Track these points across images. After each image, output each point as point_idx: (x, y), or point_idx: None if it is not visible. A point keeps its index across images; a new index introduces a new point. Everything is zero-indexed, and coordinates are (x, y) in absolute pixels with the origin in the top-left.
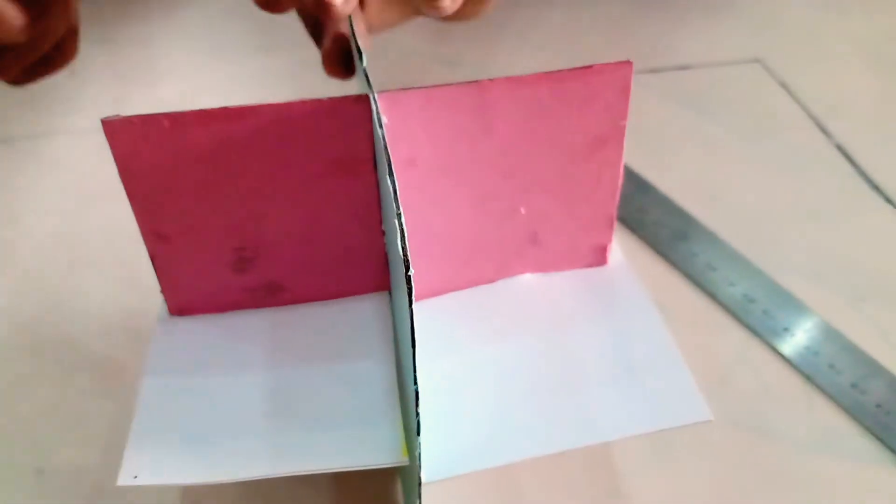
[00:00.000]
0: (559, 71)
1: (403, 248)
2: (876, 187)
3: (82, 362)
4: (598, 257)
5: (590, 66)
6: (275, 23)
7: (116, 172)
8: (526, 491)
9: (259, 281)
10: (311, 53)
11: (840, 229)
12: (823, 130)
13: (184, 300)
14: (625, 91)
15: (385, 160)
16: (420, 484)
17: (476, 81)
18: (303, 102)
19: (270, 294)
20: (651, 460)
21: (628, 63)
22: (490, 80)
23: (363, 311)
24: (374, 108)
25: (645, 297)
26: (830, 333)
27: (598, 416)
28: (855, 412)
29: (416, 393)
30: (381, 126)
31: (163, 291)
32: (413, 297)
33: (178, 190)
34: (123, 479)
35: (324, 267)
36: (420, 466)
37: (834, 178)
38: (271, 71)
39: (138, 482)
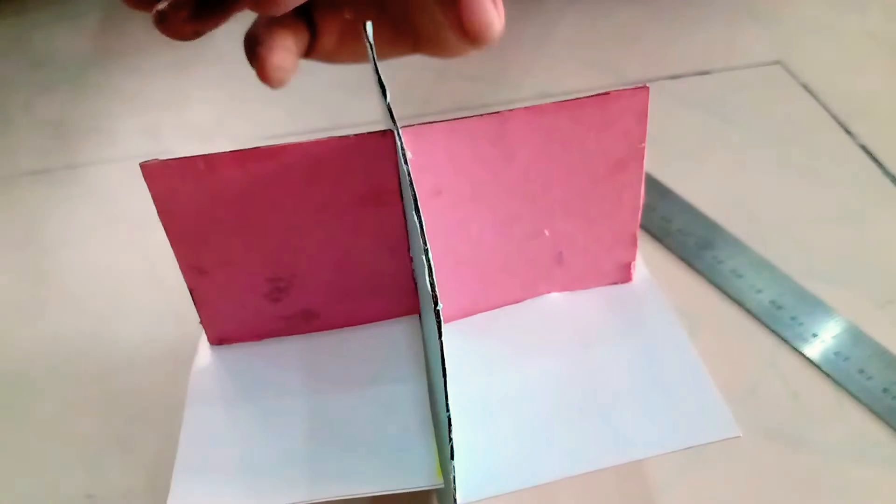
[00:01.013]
0: (577, 99)
1: (431, 284)
2: (887, 172)
3: (126, 391)
4: (623, 274)
5: (607, 93)
6: None
7: (151, 202)
8: (559, 502)
9: (294, 309)
10: (338, 74)
11: (866, 231)
12: (848, 131)
13: (222, 330)
14: (642, 116)
15: (410, 195)
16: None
17: (497, 113)
18: (329, 140)
19: (305, 321)
20: (683, 472)
21: (645, 88)
22: (510, 110)
23: (394, 335)
24: (398, 143)
25: (670, 314)
26: (860, 338)
27: (629, 434)
28: (887, 417)
29: (449, 419)
30: (405, 161)
31: (202, 322)
32: (442, 330)
33: (215, 226)
34: None
35: (355, 294)
36: (455, 489)
37: (859, 180)
38: (299, 92)
39: None
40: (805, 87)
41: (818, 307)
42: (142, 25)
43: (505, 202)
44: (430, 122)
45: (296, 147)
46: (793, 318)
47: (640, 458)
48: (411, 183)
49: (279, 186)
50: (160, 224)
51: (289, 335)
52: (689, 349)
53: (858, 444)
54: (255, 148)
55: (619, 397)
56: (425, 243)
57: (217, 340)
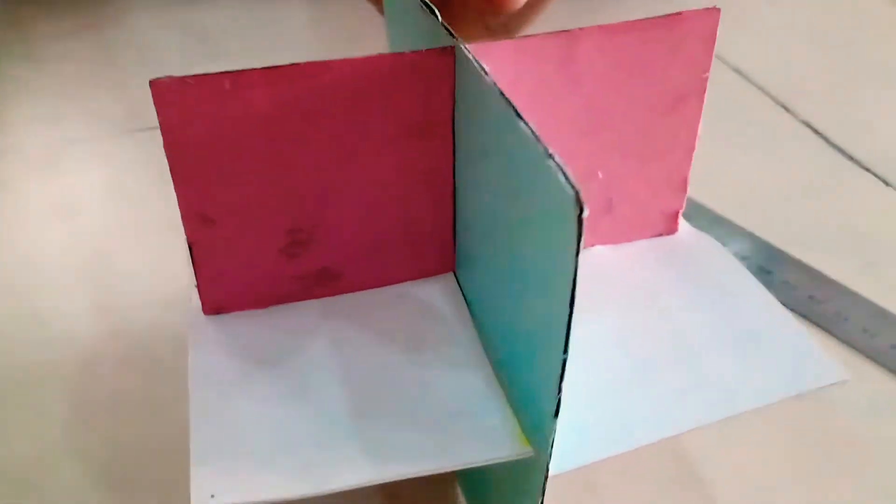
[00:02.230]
0: (647, 19)
1: (571, 183)
2: (851, 157)
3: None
4: (670, 224)
5: (678, 13)
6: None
7: (61, 190)
8: (599, 481)
9: (311, 268)
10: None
11: (828, 201)
12: (789, 110)
13: (222, 296)
14: (710, 41)
15: (505, 105)
16: (546, 478)
17: (566, 31)
18: (381, 57)
19: (322, 283)
20: (720, 444)
21: (716, 10)
22: (580, 28)
23: (429, 294)
24: (470, 57)
25: (733, 262)
26: (856, 300)
27: (731, 386)
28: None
29: (563, 364)
30: (486, 73)
31: (198, 287)
32: (581, 242)
33: (232, 162)
34: (199, 501)
35: (385, 248)
36: (550, 456)
37: (809, 155)
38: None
39: (215, 502)
40: (738, 71)
41: (808, 272)
42: (34, 14)
43: (563, 136)
44: (494, 41)
45: (343, 64)
46: (784, 283)
47: (745, 411)
48: (503, 94)
49: (316, 112)
50: (73, 213)
51: (302, 300)
52: (767, 295)
53: (876, 400)
54: (293, 64)
55: (706, 349)
56: (546, 148)
57: (214, 309)
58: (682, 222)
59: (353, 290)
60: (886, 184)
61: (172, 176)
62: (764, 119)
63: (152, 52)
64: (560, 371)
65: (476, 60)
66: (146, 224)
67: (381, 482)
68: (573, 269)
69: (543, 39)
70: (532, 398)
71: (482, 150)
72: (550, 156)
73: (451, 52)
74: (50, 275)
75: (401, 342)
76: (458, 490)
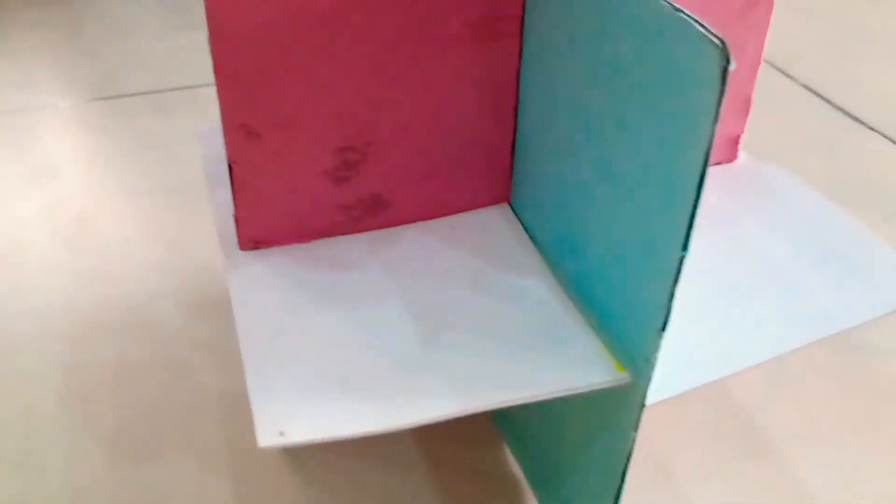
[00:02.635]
0: None
1: (713, 33)
2: (855, 118)
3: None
4: (730, 151)
5: None
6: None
7: (36, 156)
8: (650, 435)
9: (361, 194)
10: None
11: (837, 158)
12: (788, 75)
13: (262, 228)
14: None
15: None
16: (643, 407)
17: None
18: None
19: (371, 212)
20: (770, 393)
21: None
22: None
23: (486, 225)
24: None
25: (804, 187)
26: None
27: (823, 307)
28: None
29: (681, 263)
30: None
31: (236, 216)
32: (721, 102)
33: (285, 63)
34: (267, 439)
35: (440, 171)
36: (650, 380)
37: (812, 115)
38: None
39: (286, 440)
40: None
41: None
42: None
43: None
44: None
45: None
46: None
47: (846, 328)
48: None
49: (377, 1)
50: (51, 177)
51: (348, 233)
52: (845, 216)
53: None
54: None
55: (795, 270)
56: (705, 25)
57: (252, 243)
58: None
59: (402, 223)
60: (893, 142)
61: (216, 77)
62: (767, 84)
63: (122, 22)
64: (675, 273)
65: None
66: (127, 188)
67: (468, 414)
68: (709, 137)
69: None
70: (630, 314)
71: (568, 39)
72: (679, 9)
73: None
74: (32, 241)
75: (462, 273)
76: (507, 451)
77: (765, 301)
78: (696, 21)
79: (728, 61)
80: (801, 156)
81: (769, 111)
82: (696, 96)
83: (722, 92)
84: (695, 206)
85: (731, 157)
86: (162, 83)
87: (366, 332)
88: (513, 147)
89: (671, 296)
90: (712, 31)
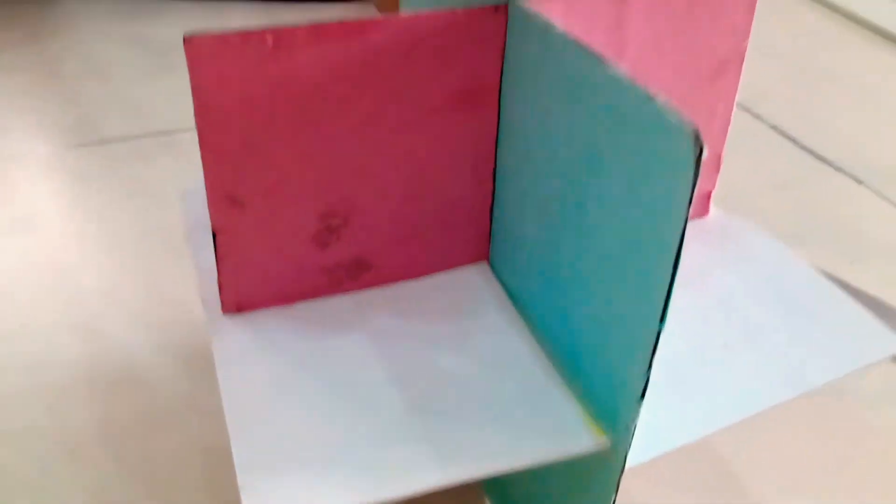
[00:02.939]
0: None
1: (687, 121)
2: (821, 158)
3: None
4: (702, 206)
5: None
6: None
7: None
8: (633, 491)
9: (343, 257)
10: None
11: (804, 198)
12: (755, 115)
13: (246, 292)
14: (751, 9)
15: (587, 53)
16: (623, 471)
17: None
18: (433, 15)
19: (353, 274)
20: (751, 439)
21: None
22: None
23: (466, 285)
24: (532, 12)
25: (772, 241)
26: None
27: (795, 366)
28: None
29: (658, 336)
30: (555, 28)
31: (220, 281)
32: (695, 188)
33: (269, 134)
34: None
35: (420, 234)
36: (630, 445)
37: (779, 155)
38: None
39: None
40: None
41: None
42: None
43: None
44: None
45: (393, 22)
46: None
47: (821, 385)
48: (578, 41)
49: (362, 76)
50: (29, 229)
51: (331, 294)
52: (812, 272)
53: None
54: (341, 21)
55: (767, 328)
56: (646, 87)
57: (236, 306)
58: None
59: (384, 283)
60: (859, 182)
61: (202, 150)
62: (733, 123)
63: (100, 65)
64: (653, 345)
65: (540, 15)
66: (108, 238)
67: (453, 484)
68: (683, 221)
69: (594, 1)
70: (609, 382)
71: (544, 113)
72: (654, 96)
73: (503, 11)
74: (10, 294)
75: (445, 336)
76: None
77: (739, 360)
78: (670, 109)
79: (701, 150)
80: (769, 196)
81: (738, 151)
82: (670, 180)
83: (695, 177)
84: (671, 283)
85: (702, 212)
86: (142, 128)
87: (351, 400)
88: (491, 210)
89: (649, 366)
90: (686, 119)
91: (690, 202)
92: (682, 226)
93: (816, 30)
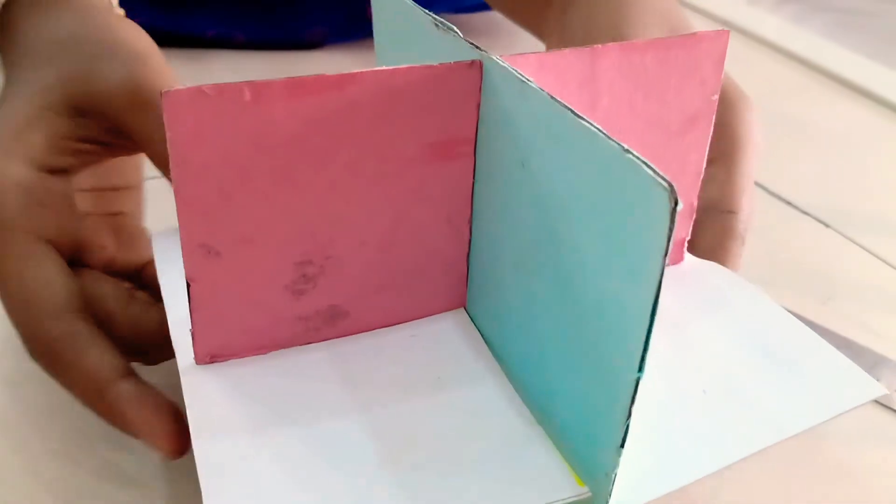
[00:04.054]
0: (666, 38)
1: (661, 176)
2: (788, 202)
3: None
4: (677, 253)
5: (693, 34)
6: None
7: None
8: None
9: (318, 306)
10: None
11: (774, 242)
12: None
13: (219, 342)
14: (720, 62)
15: (560, 107)
16: None
17: (589, 47)
18: (410, 69)
19: (329, 322)
20: (727, 480)
21: (726, 32)
22: (602, 45)
23: (443, 332)
24: (507, 66)
25: (749, 287)
26: (823, 332)
27: (773, 413)
28: (884, 401)
29: (637, 384)
30: (529, 82)
31: (193, 331)
32: (668, 247)
33: (245, 185)
34: None
35: (397, 282)
36: (611, 494)
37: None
38: None
39: None
40: None
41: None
42: None
43: None
44: (520, 54)
45: (369, 76)
46: None
47: (791, 436)
48: (553, 97)
49: (338, 129)
50: None
51: (305, 344)
52: (789, 317)
53: (869, 429)
54: (317, 76)
55: (743, 376)
56: (619, 142)
57: (208, 357)
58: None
59: (359, 331)
60: (826, 226)
61: (177, 201)
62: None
63: None
64: (632, 394)
65: (516, 72)
66: None
67: None
68: (660, 273)
69: (566, 55)
70: (587, 431)
71: (519, 164)
72: (627, 150)
73: (478, 67)
74: None
75: (421, 384)
76: None
77: (717, 408)
78: (645, 164)
79: (676, 203)
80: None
81: None
82: (645, 232)
83: (671, 230)
84: (648, 332)
85: (677, 258)
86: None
87: (326, 453)
88: (468, 258)
89: (628, 414)
90: (660, 174)
91: (667, 253)
92: (658, 276)
93: (778, 79)
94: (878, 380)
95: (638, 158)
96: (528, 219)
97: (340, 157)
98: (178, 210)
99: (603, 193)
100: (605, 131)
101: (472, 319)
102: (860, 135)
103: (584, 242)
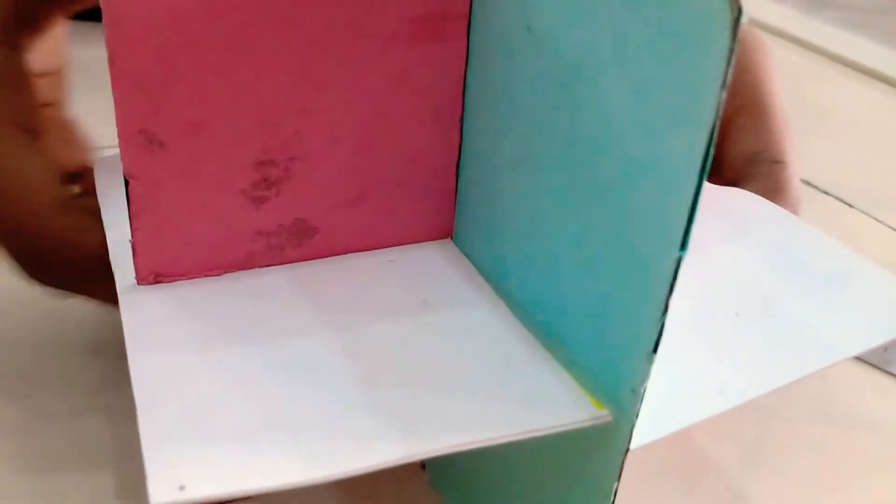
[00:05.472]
0: None
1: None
2: (808, 182)
3: None
4: None
5: None
6: None
7: None
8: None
9: (282, 219)
10: None
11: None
12: None
13: (165, 257)
14: None
15: None
16: (628, 451)
17: None
18: None
19: (294, 240)
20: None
21: None
22: None
23: (428, 257)
24: None
25: (777, 209)
26: None
27: (818, 337)
28: None
29: (678, 265)
30: None
31: (134, 243)
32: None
33: (194, 60)
34: (162, 493)
35: (375, 194)
36: (638, 412)
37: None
38: None
39: (187, 496)
40: None
41: None
42: None
43: None
44: None
45: None
46: None
47: (846, 357)
48: None
49: None
50: None
51: (265, 266)
52: (826, 238)
53: None
54: None
55: (784, 298)
56: None
57: (151, 276)
58: None
59: (329, 254)
60: (850, 206)
61: (112, 73)
62: None
63: None
64: (671, 280)
65: None
66: None
67: (417, 460)
68: (714, 111)
69: None
70: (609, 341)
71: (525, 28)
72: None
73: None
74: None
75: (404, 306)
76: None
77: (755, 331)
78: None
79: (740, 12)
80: None
81: None
82: (698, 54)
83: (731, 50)
84: (696, 194)
85: None
86: None
87: (290, 371)
88: (457, 168)
89: (665, 308)
90: None
91: (725, 83)
92: (713, 114)
93: (791, 66)
94: None
95: None
96: (533, 97)
97: (308, 28)
98: (112, 86)
99: (638, 25)
100: None
101: (461, 250)
102: (876, 116)
103: (610, 100)
